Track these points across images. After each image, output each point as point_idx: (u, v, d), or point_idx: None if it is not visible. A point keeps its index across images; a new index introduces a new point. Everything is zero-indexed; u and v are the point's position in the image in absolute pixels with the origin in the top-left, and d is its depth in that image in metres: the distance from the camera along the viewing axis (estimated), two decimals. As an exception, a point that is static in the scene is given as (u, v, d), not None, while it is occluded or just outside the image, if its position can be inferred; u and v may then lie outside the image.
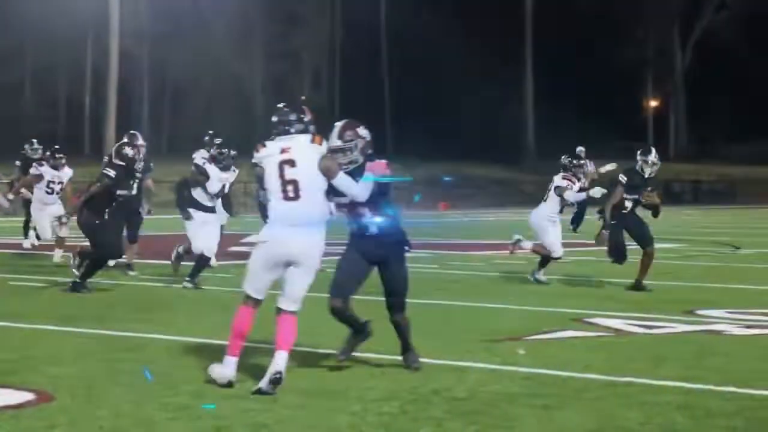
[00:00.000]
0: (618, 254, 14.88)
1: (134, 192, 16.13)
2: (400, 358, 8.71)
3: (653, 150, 14.91)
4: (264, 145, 8.02)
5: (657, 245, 15.10)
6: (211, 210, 15.02)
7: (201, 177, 14.95)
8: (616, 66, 72.88)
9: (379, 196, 8.36)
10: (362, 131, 8.42)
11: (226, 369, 7.83)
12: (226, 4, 62.09)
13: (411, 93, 71.25)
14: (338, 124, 8.44)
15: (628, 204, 14.72)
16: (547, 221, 15.65)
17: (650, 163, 14.69)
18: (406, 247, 8.61)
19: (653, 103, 77.93)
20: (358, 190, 8.19)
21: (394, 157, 72.17)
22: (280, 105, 8.19)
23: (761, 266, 18.63)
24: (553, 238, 15.57)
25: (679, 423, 6.91)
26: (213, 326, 10.44)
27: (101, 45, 57.01)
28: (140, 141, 16.39)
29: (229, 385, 7.75)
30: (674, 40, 75.85)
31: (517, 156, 70.54)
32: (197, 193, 14.95)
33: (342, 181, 8.06)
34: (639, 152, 14.93)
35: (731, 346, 9.77)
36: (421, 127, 70.24)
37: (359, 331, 8.65)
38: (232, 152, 15.45)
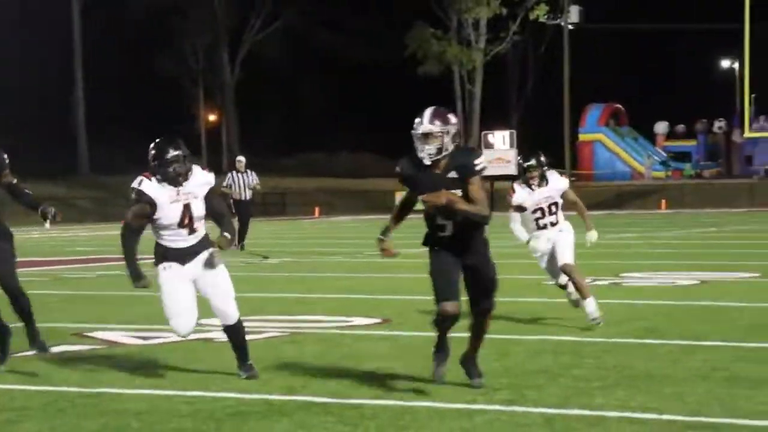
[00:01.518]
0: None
1: None
2: None
3: (426, 112, 8.11)
4: None
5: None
6: (182, 255, 8.95)
7: (144, 206, 8.87)
8: (168, 78, 73.66)
9: None
10: None
11: None
12: None
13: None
14: None
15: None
16: None
17: (416, 136, 8.08)
18: None
19: (210, 117, 79.20)
20: None
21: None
22: None
23: (285, 275, 19.61)
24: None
25: (132, 427, 7.29)
26: None
27: None
28: None
29: None
30: (223, 54, 77.29)
31: (72, 171, 69.54)
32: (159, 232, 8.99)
33: None
34: None
35: (210, 353, 10.29)
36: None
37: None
38: (183, 152, 8.98)
